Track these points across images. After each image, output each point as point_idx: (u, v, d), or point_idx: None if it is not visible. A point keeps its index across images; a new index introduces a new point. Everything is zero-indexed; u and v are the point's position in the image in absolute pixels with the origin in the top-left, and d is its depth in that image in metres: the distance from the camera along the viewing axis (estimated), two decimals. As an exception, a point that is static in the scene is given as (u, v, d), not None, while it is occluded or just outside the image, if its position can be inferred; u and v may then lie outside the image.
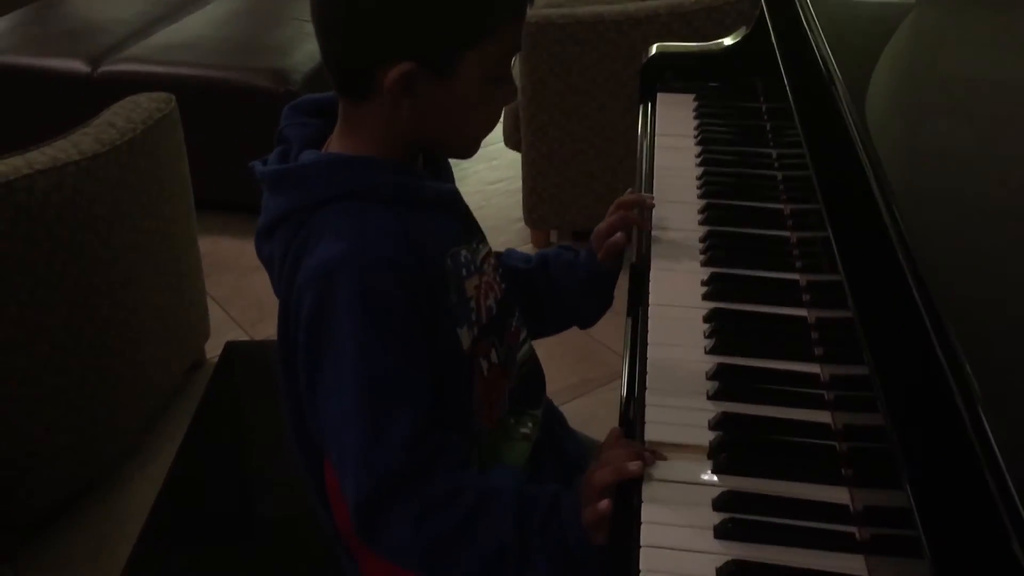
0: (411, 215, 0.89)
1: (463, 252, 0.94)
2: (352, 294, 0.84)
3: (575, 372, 2.11)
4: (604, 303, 1.15)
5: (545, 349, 1.15)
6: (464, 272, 0.93)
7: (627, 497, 0.80)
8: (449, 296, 0.91)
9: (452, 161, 1.03)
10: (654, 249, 1.15)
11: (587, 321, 1.17)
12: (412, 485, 0.84)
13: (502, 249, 1.15)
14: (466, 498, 0.84)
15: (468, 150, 0.95)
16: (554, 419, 1.12)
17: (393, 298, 0.85)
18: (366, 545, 0.89)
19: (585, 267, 1.12)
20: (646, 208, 1.16)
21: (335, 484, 0.96)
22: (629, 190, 1.20)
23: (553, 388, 1.14)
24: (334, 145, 0.93)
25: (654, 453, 0.83)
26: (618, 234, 1.11)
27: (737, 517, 0.77)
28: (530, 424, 1.03)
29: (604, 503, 0.79)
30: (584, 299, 1.14)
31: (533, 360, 1.06)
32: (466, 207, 0.99)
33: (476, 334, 0.94)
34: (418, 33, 0.84)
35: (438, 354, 0.89)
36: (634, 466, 0.81)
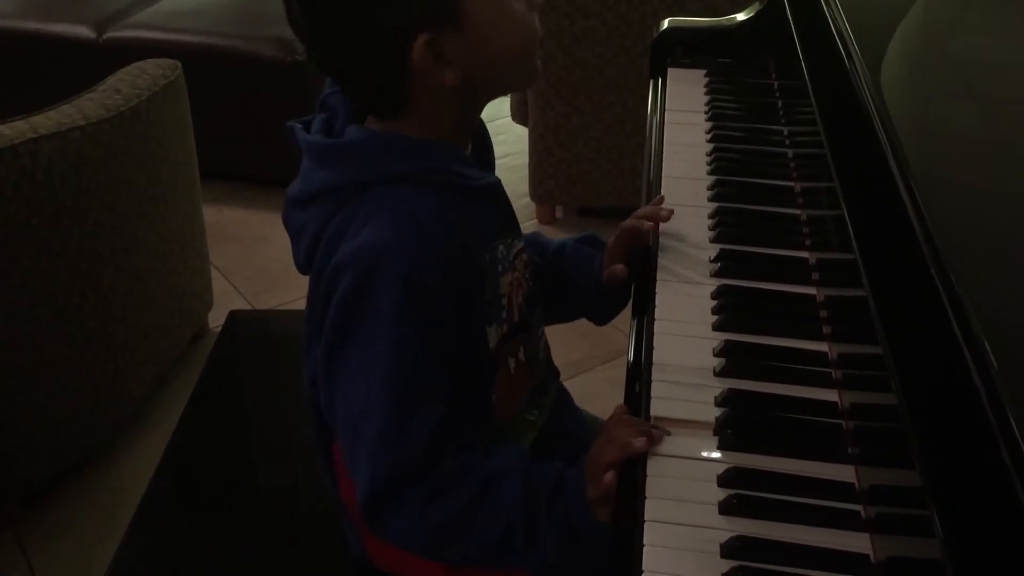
0: (460, 204, 0.88)
1: (500, 247, 0.93)
2: (396, 283, 0.82)
3: (578, 349, 2.11)
4: (619, 303, 1.12)
5: (548, 327, 1.14)
6: (500, 268, 0.92)
7: (632, 472, 0.80)
8: (484, 293, 0.90)
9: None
10: (662, 225, 1.14)
11: (602, 319, 1.16)
12: (425, 475, 0.83)
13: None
14: (472, 480, 0.84)
15: (528, 73, 0.93)
16: (561, 400, 1.11)
17: (435, 292, 0.84)
18: (373, 532, 0.89)
19: (599, 268, 1.09)
20: (661, 220, 1.09)
21: (341, 458, 0.96)
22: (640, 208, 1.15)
23: (558, 364, 1.13)
24: (382, 125, 0.90)
25: (660, 429, 0.83)
26: (619, 266, 1.04)
27: (742, 494, 0.77)
28: (536, 412, 1.03)
29: (609, 476, 0.79)
30: (597, 301, 1.12)
31: (547, 353, 1.05)
32: (508, 200, 0.97)
33: (505, 332, 0.93)
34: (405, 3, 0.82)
35: (465, 350, 0.88)
36: (640, 443, 0.80)
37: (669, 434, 0.83)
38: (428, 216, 0.85)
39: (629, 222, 1.08)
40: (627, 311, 1.06)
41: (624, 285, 1.05)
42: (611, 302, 1.10)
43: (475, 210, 0.90)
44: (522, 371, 0.97)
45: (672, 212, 1.09)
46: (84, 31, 2.69)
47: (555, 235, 1.21)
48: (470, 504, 0.83)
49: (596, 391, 1.90)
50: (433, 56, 0.83)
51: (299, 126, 0.92)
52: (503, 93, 0.95)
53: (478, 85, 0.88)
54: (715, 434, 0.83)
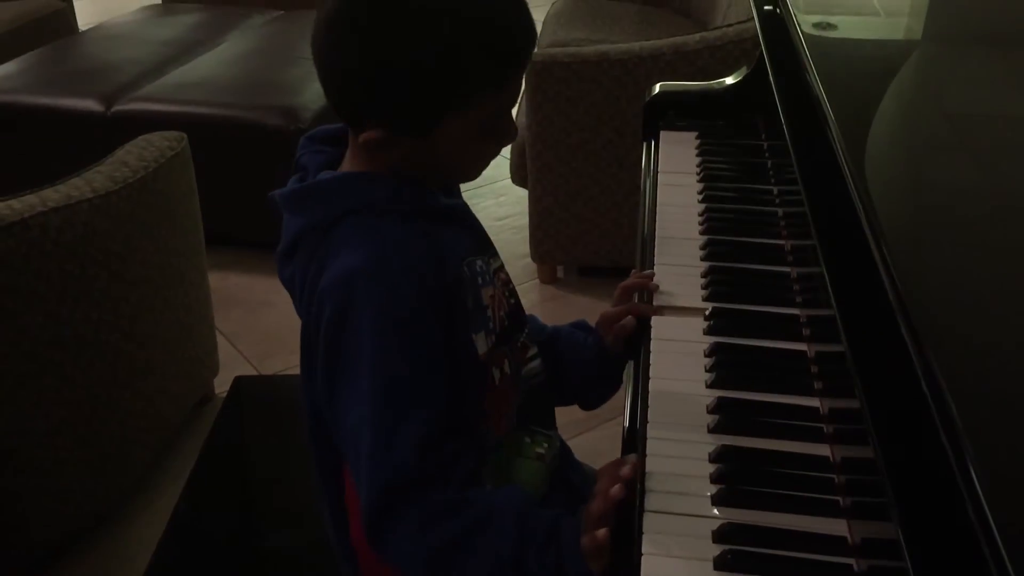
0: (426, 226, 0.92)
1: (478, 262, 0.96)
2: (373, 300, 0.86)
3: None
4: (611, 386, 1.14)
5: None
6: (480, 280, 0.95)
7: (627, 528, 0.81)
8: (467, 302, 0.93)
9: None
10: (657, 284, 1.16)
11: (591, 403, 1.16)
12: (421, 491, 0.85)
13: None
14: (470, 511, 0.86)
15: (469, 178, 0.98)
16: (562, 453, 1.12)
17: (413, 305, 0.87)
18: (374, 551, 0.90)
19: (592, 349, 1.11)
20: (648, 289, 1.14)
21: (354, 495, 0.97)
22: (633, 271, 1.19)
23: (559, 422, 1.15)
24: (347, 168, 0.96)
25: (631, 466, 0.86)
26: (628, 318, 1.09)
27: (737, 549, 0.78)
28: (545, 444, 1.04)
29: (601, 532, 0.80)
30: (588, 381, 1.13)
31: (541, 380, 1.07)
32: (477, 221, 1.01)
33: (493, 341, 0.96)
34: (393, 100, 0.86)
35: (455, 359, 0.91)
36: (614, 491, 0.82)
37: (629, 475, 0.84)
38: (397, 235, 0.89)
39: (622, 303, 1.12)
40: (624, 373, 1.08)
41: (630, 345, 1.08)
42: (605, 373, 1.12)
43: (444, 231, 0.94)
44: (507, 384, 0.99)
45: (654, 276, 1.16)
46: (92, 105, 2.75)
47: (556, 294, 1.24)
48: (465, 533, 0.85)
49: (599, 449, 1.91)
50: (377, 145, 0.88)
51: (277, 191, 0.97)
52: (446, 185, 1.00)
53: (417, 170, 0.93)
54: (710, 488, 0.85)
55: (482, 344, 0.94)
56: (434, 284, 0.89)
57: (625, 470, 0.86)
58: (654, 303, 1.10)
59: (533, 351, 1.06)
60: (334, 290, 0.87)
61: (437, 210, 0.94)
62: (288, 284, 0.97)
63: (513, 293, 1.03)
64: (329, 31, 0.88)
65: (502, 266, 1.03)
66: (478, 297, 0.95)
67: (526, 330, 1.05)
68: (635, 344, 1.07)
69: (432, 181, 0.95)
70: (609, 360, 1.10)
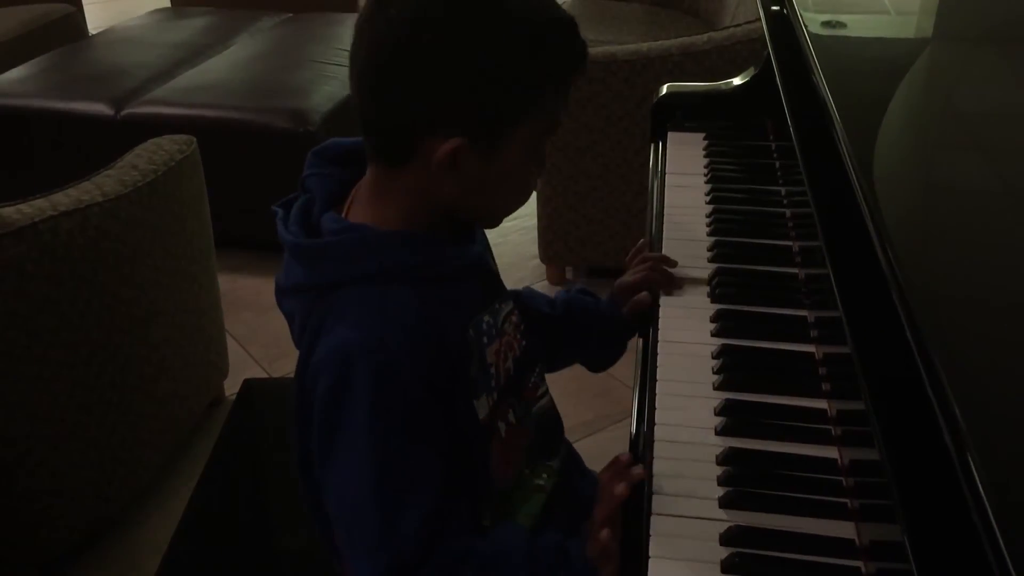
0: (434, 290, 0.88)
1: (485, 319, 0.93)
2: (368, 382, 0.83)
3: (590, 409, 2.12)
4: (620, 351, 1.17)
5: (561, 386, 1.17)
6: (486, 340, 0.92)
7: (635, 531, 0.82)
8: (470, 369, 0.90)
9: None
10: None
11: (600, 365, 1.19)
12: (426, 563, 0.84)
13: (519, 287, 1.17)
14: (474, 563, 0.85)
15: (494, 222, 0.96)
16: (571, 462, 1.11)
17: (410, 385, 0.84)
18: None
19: (608, 315, 1.14)
20: (669, 265, 1.17)
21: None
22: (641, 242, 1.22)
23: (568, 424, 1.15)
24: (358, 208, 0.92)
25: (638, 467, 0.86)
26: (644, 293, 1.12)
27: (744, 552, 0.78)
28: (544, 476, 1.03)
29: (604, 533, 0.81)
30: (602, 346, 1.16)
31: (550, 410, 1.06)
32: (491, 268, 0.98)
33: (495, 400, 0.94)
34: (474, 107, 0.83)
35: (454, 428, 0.89)
36: (619, 489, 0.83)
37: (643, 475, 0.86)
38: (397, 311, 0.85)
39: (641, 271, 1.16)
40: (632, 373, 1.08)
41: (644, 316, 1.11)
42: (618, 338, 1.15)
43: (455, 290, 0.90)
44: (513, 432, 0.97)
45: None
46: (102, 108, 2.76)
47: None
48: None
49: (608, 451, 1.90)
50: (449, 162, 0.84)
51: (280, 212, 0.94)
52: (461, 220, 0.95)
53: (454, 207, 0.90)
54: (717, 490, 0.85)
55: (483, 408, 0.92)
56: (434, 358, 0.86)
57: (636, 471, 0.86)
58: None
59: (543, 388, 1.04)
60: (329, 366, 0.84)
61: (449, 271, 0.90)
62: (287, 316, 0.95)
63: (525, 334, 1.00)
64: (389, 34, 0.83)
65: (513, 309, 0.99)
66: (483, 358, 0.92)
67: (537, 369, 1.03)
68: (646, 317, 1.11)
69: (465, 215, 0.92)
70: (625, 326, 1.13)
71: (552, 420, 1.07)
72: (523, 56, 0.83)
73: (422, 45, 0.82)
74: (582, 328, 1.15)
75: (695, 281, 1.16)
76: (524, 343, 1.00)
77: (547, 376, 1.10)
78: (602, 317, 1.15)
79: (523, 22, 0.84)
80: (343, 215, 0.92)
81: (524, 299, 1.12)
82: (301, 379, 0.90)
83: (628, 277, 1.16)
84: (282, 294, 0.94)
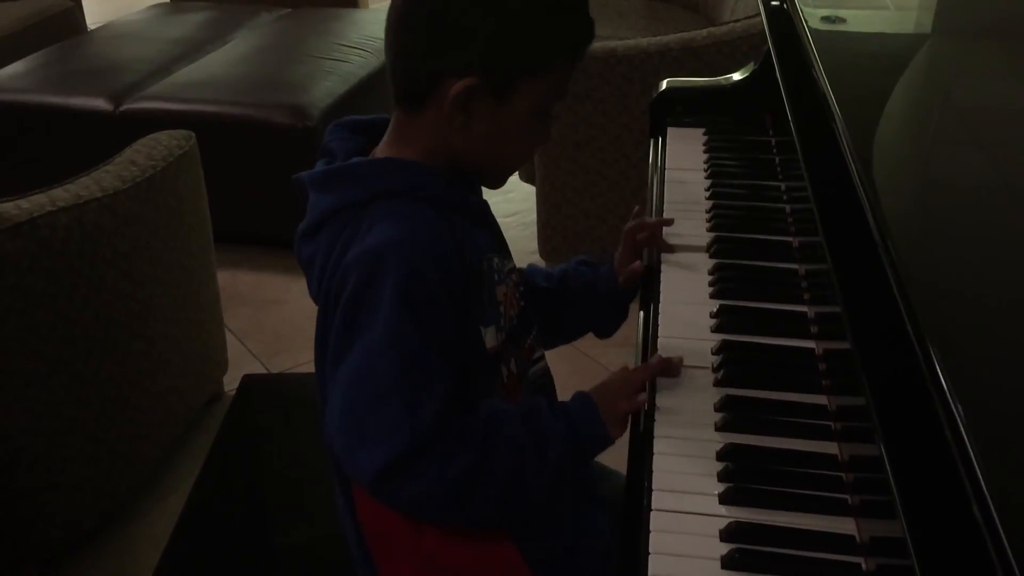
0: (455, 217, 0.94)
1: (495, 259, 0.99)
2: (398, 277, 0.87)
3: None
4: (622, 316, 1.22)
5: (560, 381, 1.16)
6: (496, 277, 0.98)
7: (635, 525, 0.82)
8: (482, 295, 0.95)
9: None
10: (663, 282, 1.16)
11: (605, 331, 1.23)
12: (435, 451, 0.88)
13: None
14: (475, 430, 0.90)
15: (499, 180, 1.02)
16: None
17: (435, 288, 0.89)
18: (386, 503, 0.92)
19: (605, 284, 1.19)
20: (658, 229, 1.22)
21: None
22: (636, 208, 1.25)
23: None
24: (380, 153, 0.98)
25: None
26: (636, 263, 1.17)
27: (744, 547, 0.78)
28: None
29: (642, 397, 0.94)
30: (603, 314, 1.20)
31: (546, 376, 1.09)
32: (496, 222, 1.04)
33: (503, 338, 0.98)
34: (492, 51, 0.89)
35: (463, 347, 0.93)
36: (641, 398, 0.94)
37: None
38: (425, 221, 0.91)
39: (629, 224, 1.20)
40: (630, 364, 1.08)
41: (639, 283, 1.17)
42: (618, 305, 1.19)
43: (466, 225, 0.96)
44: (513, 382, 1.01)
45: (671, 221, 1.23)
46: (101, 104, 2.76)
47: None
48: (481, 449, 0.89)
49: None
50: (464, 99, 0.90)
51: (304, 173, 0.99)
52: (469, 174, 1.01)
53: (464, 155, 0.96)
54: (717, 486, 0.85)
55: (491, 338, 0.96)
56: (456, 272, 0.92)
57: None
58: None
59: (539, 353, 1.08)
60: (363, 261, 0.89)
61: (464, 205, 0.97)
62: (306, 263, 0.98)
63: (524, 295, 1.05)
64: None
65: (515, 268, 1.05)
66: (492, 293, 0.97)
67: (534, 332, 1.06)
68: (641, 284, 1.17)
69: (472, 167, 0.98)
70: (623, 293, 1.18)
71: (548, 388, 1.10)
72: (541, 13, 0.90)
73: None
74: (580, 299, 1.19)
75: (690, 248, 1.19)
76: (523, 303, 1.04)
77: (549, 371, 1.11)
78: (598, 283, 1.19)
79: None
80: None
81: (525, 275, 1.16)
82: (327, 295, 0.93)
83: (619, 248, 1.20)
84: (307, 237, 0.97)
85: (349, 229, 0.92)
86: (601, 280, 1.19)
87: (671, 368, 0.99)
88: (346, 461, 0.92)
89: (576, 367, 1.25)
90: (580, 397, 0.97)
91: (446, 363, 0.90)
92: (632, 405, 0.95)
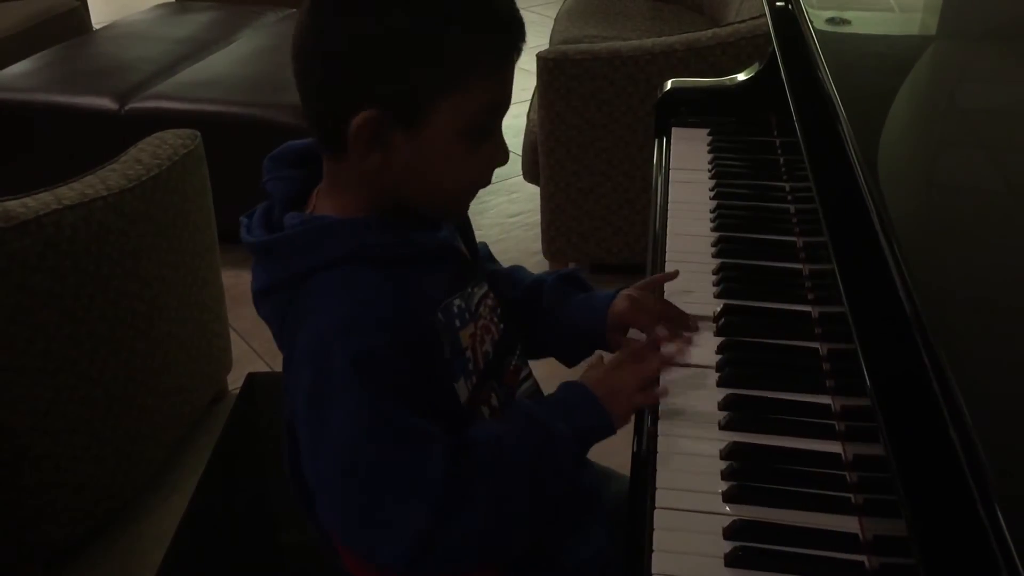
0: (400, 273, 0.87)
1: (456, 302, 0.92)
2: (350, 361, 0.82)
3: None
4: (587, 351, 1.11)
5: (551, 379, 1.16)
6: (458, 323, 0.92)
7: (639, 522, 0.82)
8: (443, 351, 0.90)
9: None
10: (667, 282, 1.16)
11: (572, 360, 1.14)
12: (452, 510, 0.83)
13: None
14: (475, 474, 0.84)
15: (451, 209, 0.93)
16: None
17: (391, 360, 0.83)
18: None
19: (587, 316, 1.08)
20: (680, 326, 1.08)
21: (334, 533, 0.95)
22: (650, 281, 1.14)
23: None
24: (320, 203, 0.92)
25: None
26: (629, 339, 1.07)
27: (748, 545, 0.78)
28: None
29: (661, 390, 0.93)
30: (568, 344, 1.12)
31: (536, 394, 1.04)
32: (460, 252, 0.96)
33: (475, 383, 0.93)
34: (383, 77, 0.82)
35: (437, 411, 0.88)
36: (660, 391, 0.92)
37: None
38: (368, 292, 0.85)
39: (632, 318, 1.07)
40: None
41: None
42: (581, 348, 1.10)
43: (421, 273, 0.90)
44: (497, 417, 0.96)
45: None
46: (106, 103, 2.76)
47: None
48: (490, 491, 0.84)
49: (608, 448, 1.91)
50: (369, 134, 0.83)
51: (245, 220, 0.94)
52: (420, 211, 0.92)
53: (398, 191, 0.88)
54: (721, 485, 0.85)
55: (463, 391, 0.92)
56: (407, 336, 0.86)
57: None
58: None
59: (526, 372, 1.03)
60: (310, 357, 0.84)
61: (412, 253, 0.89)
62: (267, 321, 0.94)
63: (503, 318, 1.00)
64: (310, 19, 0.84)
65: (487, 292, 0.99)
66: (456, 343, 0.91)
67: (517, 351, 1.02)
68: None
69: (416, 202, 0.90)
70: (599, 335, 1.07)
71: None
72: (432, 33, 0.81)
73: (318, 23, 0.83)
74: (543, 318, 1.10)
75: (694, 249, 1.17)
76: (502, 326, 0.99)
77: (538, 372, 1.09)
78: (575, 317, 1.09)
79: (430, 3, 0.82)
80: (307, 212, 0.92)
81: (497, 278, 1.08)
82: (287, 381, 0.90)
83: (628, 313, 1.06)
84: (257, 301, 0.93)
85: (293, 308, 0.87)
86: (584, 309, 1.08)
87: (684, 346, 0.95)
88: (367, 557, 0.87)
89: (575, 369, 1.23)
90: (573, 388, 0.92)
91: (429, 421, 0.85)
92: (647, 399, 0.92)
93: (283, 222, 0.90)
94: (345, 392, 0.83)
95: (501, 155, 0.89)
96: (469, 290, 0.95)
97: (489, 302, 0.98)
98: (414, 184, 0.87)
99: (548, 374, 1.09)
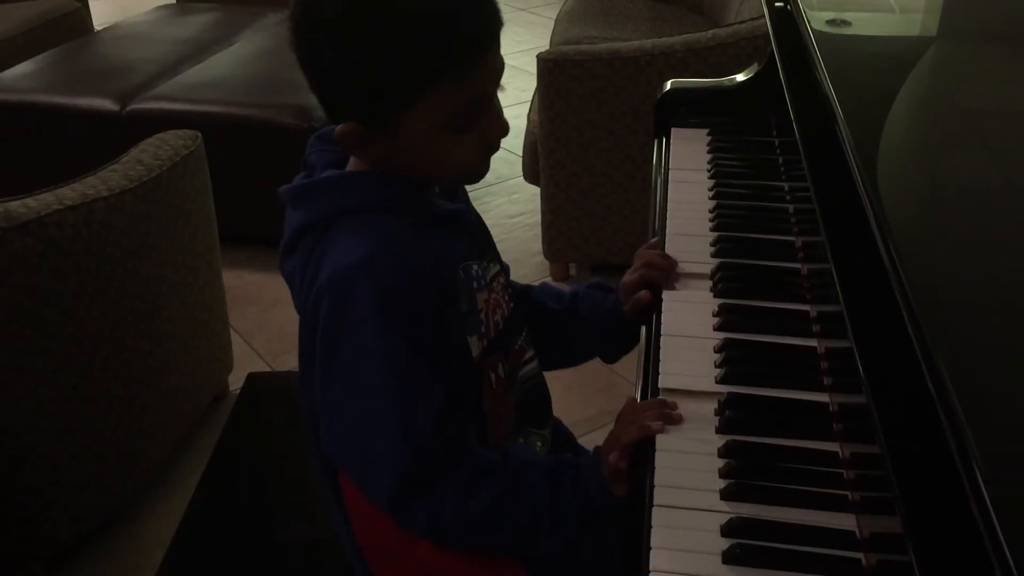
0: (425, 227, 0.93)
1: (474, 267, 0.97)
2: (372, 294, 0.87)
3: (592, 404, 2.12)
4: (630, 343, 1.18)
5: (564, 381, 1.18)
6: (475, 284, 0.97)
7: (638, 519, 0.82)
8: (460, 304, 0.94)
9: (473, 193, 1.06)
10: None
11: (613, 357, 1.21)
12: (447, 466, 0.88)
13: (522, 283, 1.18)
14: (502, 473, 0.90)
15: (464, 179, 0.98)
16: (562, 438, 1.15)
17: (410, 299, 0.89)
18: (406, 527, 0.92)
19: (612, 312, 1.16)
20: (672, 272, 1.16)
21: (352, 494, 0.98)
22: (654, 241, 1.23)
23: (571, 420, 1.16)
24: (350, 167, 0.97)
25: (673, 409, 0.91)
26: (643, 292, 1.13)
27: (745, 543, 0.79)
28: (539, 444, 1.07)
29: (614, 456, 0.87)
30: (610, 340, 1.18)
31: (539, 380, 1.09)
32: (477, 225, 1.02)
33: (485, 345, 0.97)
34: (349, 101, 0.88)
35: (450, 358, 0.93)
36: (657, 425, 0.89)
37: (681, 419, 0.91)
38: (394, 234, 0.90)
39: (641, 270, 1.15)
40: (635, 365, 1.08)
41: (646, 313, 1.12)
42: (625, 333, 1.15)
43: (440, 234, 0.94)
44: (502, 386, 1.00)
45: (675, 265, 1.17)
46: (107, 104, 2.77)
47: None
48: (503, 495, 0.89)
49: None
50: (356, 139, 0.90)
51: (284, 186, 0.99)
52: (443, 187, 0.99)
53: (408, 173, 0.93)
54: (719, 482, 0.86)
55: (475, 347, 0.96)
56: (431, 282, 0.91)
57: (676, 415, 0.90)
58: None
59: (530, 353, 1.08)
60: (331, 286, 0.88)
61: (435, 213, 0.95)
62: (288, 278, 0.98)
63: (514, 297, 1.04)
64: (291, 35, 0.90)
65: (500, 271, 1.04)
66: (472, 301, 0.96)
67: (524, 333, 1.06)
68: (649, 312, 1.12)
69: (426, 178, 0.96)
70: (626, 322, 1.14)
71: (540, 389, 1.10)
72: (389, 58, 0.84)
73: (299, 46, 0.88)
74: (586, 321, 1.16)
75: (696, 276, 1.16)
76: (512, 305, 1.03)
77: (549, 373, 1.13)
78: (606, 311, 1.16)
79: (371, 15, 0.83)
80: None
81: (535, 295, 1.16)
82: (305, 315, 0.93)
83: (627, 276, 1.17)
84: (285, 254, 0.97)
85: (320, 247, 0.92)
86: (608, 308, 1.16)
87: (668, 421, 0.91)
88: (359, 485, 0.93)
89: (579, 368, 1.25)
90: (595, 455, 0.93)
91: (437, 369, 0.90)
92: (617, 462, 0.89)
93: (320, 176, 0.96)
94: (361, 325, 0.87)
95: (497, 129, 0.91)
96: (485, 263, 1.00)
97: (502, 280, 1.03)
98: (413, 169, 0.93)
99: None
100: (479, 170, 0.95)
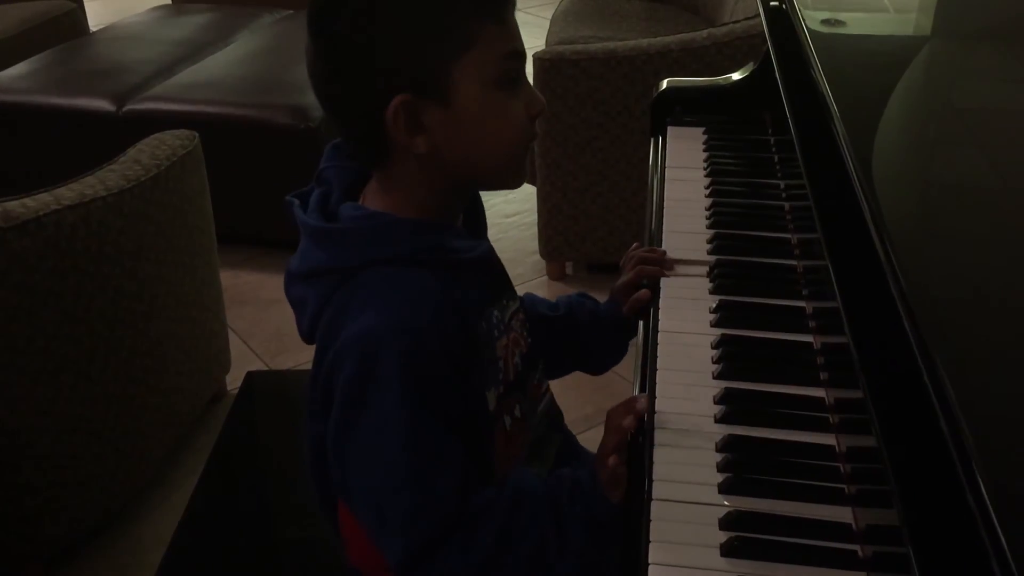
0: (451, 278, 0.90)
1: (495, 313, 0.96)
2: (397, 362, 0.84)
3: (590, 402, 2.13)
4: (621, 353, 1.19)
5: (561, 379, 1.18)
6: (496, 333, 0.95)
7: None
8: (482, 359, 0.93)
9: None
10: (663, 279, 1.17)
11: (600, 368, 1.21)
12: (458, 528, 0.87)
13: (518, 283, 1.18)
14: (497, 512, 0.88)
15: (510, 174, 0.94)
16: (568, 448, 1.13)
17: (435, 365, 0.86)
18: None
19: (609, 318, 1.15)
20: (666, 260, 1.17)
21: (348, 520, 0.98)
22: (635, 245, 1.23)
23: (569, 418, 1.16)
24: (373, 199, 0.94)
25: (642, 400, 0.92)
26: (643, 291, 1.13)
27: (743, 536, 0.79)
28: (539, 464, 1.06)
29: (612, 459, 0.85)
30: (604, 348, 1.18)
31: (555, 412, 1.09)
32: (500, 264, 1.00)
33: (502, 392, 0.96)
34: (399, 59, 0.85)
35: (467, 415, 0.91)
36: (628, 422, 0.88)
37: (644, 409, 0.91)
38: (421, 295, 0.87)
39: (631, 254, 1.17)
40: (632, 365, 1.09)
41: (646, 311, 1.12)
42: (620, 340, 1.17)
43: (467, 281, 0.92)
44: (517, 427, 0.99)
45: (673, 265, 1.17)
46: (104, 104, 2.77)
47: (565, 291, 1.26)
48: (502, 533, 0.87)
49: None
50: (406, 119, 0.86)
51: (296, 202, 0.95)
52: (483, 187, 0.98)
53: (454, 171, 0.91)
54: (717, 476, 0.86)
55: (492, 399, 0.95)
56: (455, 341, 0.89)
57: (639, 404, 0.91)
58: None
59: (545, 386, 1.07)
60: (355, 348, 0.86)
61: (462, 260, 0.92)
62: (296, 302, 0.95)
63: (531, 332, 1.03)
64: (313, 44, 0.89)
65: (519, 307, 1.02)
66: (492, 350, 0.94)
67: (540, 367, 1.05)
68: (645, 311, 1.12)
69: (474, 176, 0.93)
70: (627, 327, 1.14)
71: (553, 419, 1.10)
72: (428, 9, 0.84)
73: (328, 37, 0.87)
74: (584, 329, 1.16)
75: (690, 263, 1.17)
76: (530, 340, 1.02)
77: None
78: (603, 318, 1.16)
79: None
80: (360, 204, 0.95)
81: (526, 303, 1.13)
82: (318, 367, 0.91)
83: (623, 277, 1.17)
84: (293, 280, 0.94)
85: (342, 293, 0.89)
86: (604, 314, 1.16)
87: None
88: (370, 537, 0.92)
89: (578, 376, 1.25)
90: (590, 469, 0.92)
91: (456, 434, 0.88)
92: (616, 466, 0.88)
93: (340, 211, 0.93)
94: (386, 387, 0.85)
95: (537, 103, 0.91)
96: (504, 302, 0.98)
97: (520, 316, 1.02)
98: (467, 153, 0.89)
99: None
100: (522, 158, 0.93)
